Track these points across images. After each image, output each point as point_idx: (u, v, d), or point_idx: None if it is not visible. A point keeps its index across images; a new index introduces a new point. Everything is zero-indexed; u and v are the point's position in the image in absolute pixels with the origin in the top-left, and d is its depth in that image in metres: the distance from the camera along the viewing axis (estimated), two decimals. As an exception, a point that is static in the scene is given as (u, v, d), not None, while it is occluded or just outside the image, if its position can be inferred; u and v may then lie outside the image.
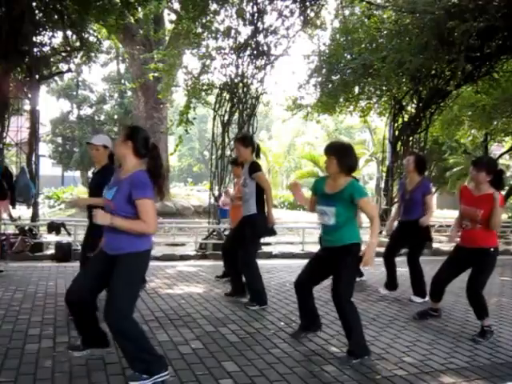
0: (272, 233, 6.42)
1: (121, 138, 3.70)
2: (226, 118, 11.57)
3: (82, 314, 3.82)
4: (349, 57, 12.73)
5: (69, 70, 12.52)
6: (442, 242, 13.87)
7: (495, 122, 18.23)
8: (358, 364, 4.14)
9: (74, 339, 4.35)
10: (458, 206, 5.41)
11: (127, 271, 3.59)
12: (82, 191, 22.10)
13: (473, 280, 5.09)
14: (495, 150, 26.88)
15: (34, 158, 10.46)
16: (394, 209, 10.31)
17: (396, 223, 7.24)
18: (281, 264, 9.46)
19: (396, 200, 9.80)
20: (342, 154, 4.30)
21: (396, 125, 12.90)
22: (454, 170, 30.60)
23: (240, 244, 6.14)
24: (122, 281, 3.57)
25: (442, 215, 24.82)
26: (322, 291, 7.08)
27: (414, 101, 12.94)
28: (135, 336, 3.59)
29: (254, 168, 6.09)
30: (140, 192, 3.52)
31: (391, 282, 7.13)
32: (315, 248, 10.75)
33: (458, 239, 5.35)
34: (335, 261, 4.35)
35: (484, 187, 5.05)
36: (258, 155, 6.41)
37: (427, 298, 6.30)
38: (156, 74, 14.22)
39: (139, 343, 3.59)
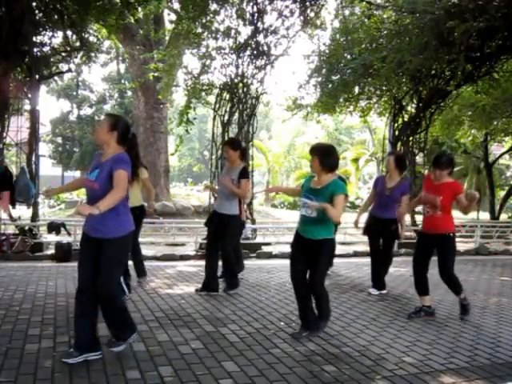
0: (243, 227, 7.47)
1: (105, 127, 3.97)
2: (226, 118, 11.58)
3: (90, 308, 4.03)
4: (349, 57, 12.73)
5: (69, 70, 12.53)
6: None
7: (495, 122, 18.24)
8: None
9: (67, 348, 4.34)
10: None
11: (117, 253, 3.97)
12: (82, 191, 22.03)
13: (442, 264, 5.70)
14: (495, 149, 26.88)
15: (33, 158, 10.47)
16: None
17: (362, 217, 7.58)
18: (281, 264, 9.46)
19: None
20: (324, 155, 4.79)
21: (396, 125, 12.90)
22: (454, 169, 30.54)
23: (221, 240, 6.65)
24: (114, 262, 3.97)
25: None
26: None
27: (414, 101, 12.93)
28: (123, 307, 4.14)
29: (245, 173, 6.57)
30: (119, 165, 3.82)
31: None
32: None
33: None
34: (314, 252, 4.81)
35: (444, 177, 5.71)
36: (244, 158, 6.87)
37: (383, 291, 7.01)
38: (156, 74, 14.22)
39: (126, 313, 4.14)
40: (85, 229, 4.04)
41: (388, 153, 7.32)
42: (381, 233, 7.01)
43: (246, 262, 8.33)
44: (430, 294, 5.86)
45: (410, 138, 12.81)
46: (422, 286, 5.85)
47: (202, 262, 9.58)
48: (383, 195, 6.89)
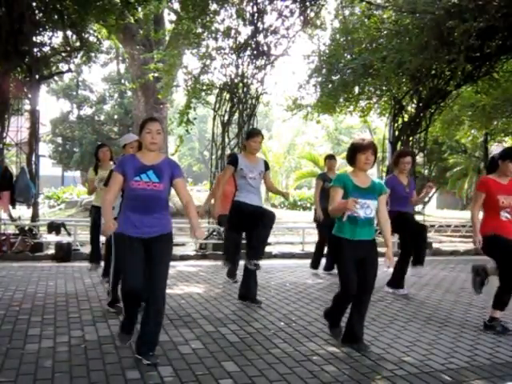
0: None
1: (160, 130, 4.05)
2: (226, 118, 11.59)
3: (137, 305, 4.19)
4: (349, 57, 12.73)
5: (69, 70, 12.53)
6: (442, 242, 13.89)
7: (495, 122, 18.26)
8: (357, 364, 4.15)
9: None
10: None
11: (169, 249, 4.14)
12: (82, 191, 22.05)
13: None
14: (495, 150, 26.88)
15: (33, 158, 10.48)
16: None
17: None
18: (280, 264, 9.46)
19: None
20: (376, 152, 4.54)
21: (396, 125, 12.89)
22: (454, 170, 30.63)
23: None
24: (167, 260, 4.10)
25: (441, 215, 24.80)
26: (322, 291, 7.11)
27: (414, 101, 12.92)
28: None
29: (268, 165, 6.33)
30: (181, 172, 4.11)
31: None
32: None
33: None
34: (369, 254, 4.49)
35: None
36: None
37: None
38: (156, 74, 14.21)
39: None
40: (130, 231, 3.96)
41: (403, 152, 7.39)
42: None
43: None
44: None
45: (410, 138, 12.80)
46: None
47: (202, 262, 9.65)
48: (405, 193, 6.99)
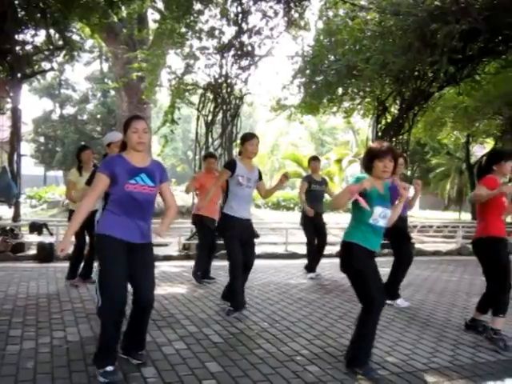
0: None
1: (147, 129, 3.88)
2: (210, 118, 11.58)
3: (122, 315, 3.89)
4: (332, 58, 12.78)
5: (51, 69, 12.43)
6: (425, 243, 13.99)
7: (477, 124, 18.47)
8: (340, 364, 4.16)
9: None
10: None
11: (153, 255, 4.01)
12: (64, 191, 21.85)
13: None
14: (477, 151, 27.18)
15: (15, 158, 10.37)
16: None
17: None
18: (264, 264, 9.46)
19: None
20: (396, 158, 4.12)
21: (379, 126, 12.96)
22: (437, 170, 30.90)
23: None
24: (154, 264, 4.01)
25: (424, 216, 24.98)
26: (306, 292, 7.13)
27: (397, 102, 13.00)
28: None
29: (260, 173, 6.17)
30: (167, 175, 4.02)
31: None
32: (298, 248, 10.82)
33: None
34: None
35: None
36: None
37: None
38: (139, 74, 14.15)
39: None
40: (121, 234, 3.73)
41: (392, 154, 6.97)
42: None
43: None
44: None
45: (393, 139, 12.88)
46: None
47: (186, 263, 9.61)
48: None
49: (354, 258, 4.03)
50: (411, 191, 6.46)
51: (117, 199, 3.76)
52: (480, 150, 26.80)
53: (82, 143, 9.20)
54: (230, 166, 5.83)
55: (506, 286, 4.86)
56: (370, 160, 4.07)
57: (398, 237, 6.51)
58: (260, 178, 6.03)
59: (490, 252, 4.99)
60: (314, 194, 8.31)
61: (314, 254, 8.51)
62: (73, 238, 6.15)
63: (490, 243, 4.98)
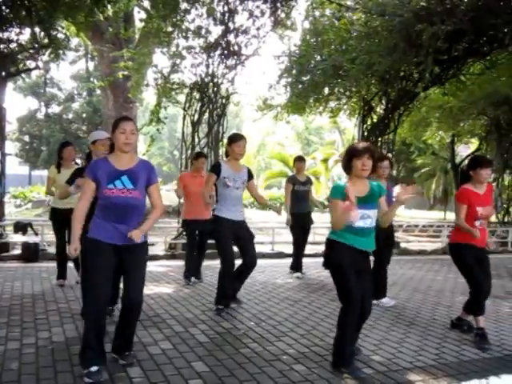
0: None
1: (134, 131, 3.88)
2: (196, 117, 11.54)
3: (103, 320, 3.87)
4: (319, 58, 12.77)
5: (36, 68, 12.30)
6: (410, 242, 14.07)
7: (462, 124, 18.56)
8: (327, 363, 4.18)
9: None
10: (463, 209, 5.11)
11: (145, 255, 3.98)
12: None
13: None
14: (462, 151, 27.36)
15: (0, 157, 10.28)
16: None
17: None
18: (251, 264, 9.44)
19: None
20: (374, 157, 4.12)
21: (365, 126, 12.99)
22: (422, 170, 31.10)
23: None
24: (145, 265, 3.96)
25: (409, 215, 25.11)
26: (292, 291, 7.14)
27: (383, 102, 13.05)
28: None
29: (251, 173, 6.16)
30: (156, 176, 3.99)
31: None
32: (285, 248, 10.83)
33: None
34: (367, 264, 4.24)
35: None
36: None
37: None
38: (125, 73, 14.08)
39: None
40: (104, 237, 3.75)
41: (380, 157, 6.68)
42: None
43: (216, 263, 8.29)
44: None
45: (379, 139, 12.93)
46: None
47: (172, 262, 9.60)
48: (387, 199, 6.79)
49: (333, 252, 4.12)
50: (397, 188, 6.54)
51: (100, 204, 3.81)
52: (465, 150, 26.95)
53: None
54: (215, 169, 5.90)
55: (479, 288, 5.07)
56: (348, 159, 4.11)
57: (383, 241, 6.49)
58: (250, 177, 6.03)
59: (455, 257, 5.30)
60: (299, 194, 8.33)
61: (301, 253, 8.55)
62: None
63: (456, 249, 5.28)
